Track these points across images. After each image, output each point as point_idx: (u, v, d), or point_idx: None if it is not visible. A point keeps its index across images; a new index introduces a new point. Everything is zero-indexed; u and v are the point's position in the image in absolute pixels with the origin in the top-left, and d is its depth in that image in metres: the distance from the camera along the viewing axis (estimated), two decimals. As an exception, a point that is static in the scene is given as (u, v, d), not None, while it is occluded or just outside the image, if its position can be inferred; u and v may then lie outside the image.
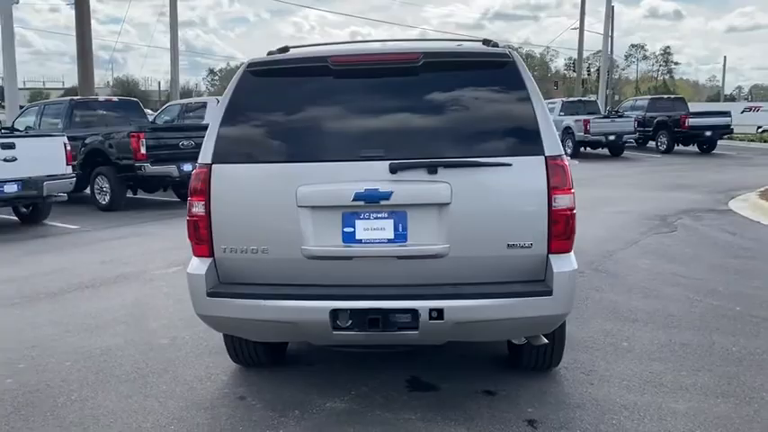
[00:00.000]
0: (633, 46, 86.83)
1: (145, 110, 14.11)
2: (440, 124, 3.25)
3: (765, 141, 28.22)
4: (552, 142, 3.17)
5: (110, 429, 3.39)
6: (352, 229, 3.16)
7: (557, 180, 3.14)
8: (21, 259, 7.71)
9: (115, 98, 14.00)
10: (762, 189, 11.88)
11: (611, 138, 20.98)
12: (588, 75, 48.23)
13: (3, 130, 12.45)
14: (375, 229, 3.15)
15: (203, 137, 3.34)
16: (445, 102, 3.28)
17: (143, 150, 10.62)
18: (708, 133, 22.25)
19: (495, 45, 3.56)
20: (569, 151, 21.82)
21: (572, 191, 3.19)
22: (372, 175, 3.11)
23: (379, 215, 3.15)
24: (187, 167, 10.40)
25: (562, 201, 3.14)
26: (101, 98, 13.65)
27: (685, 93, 58.38)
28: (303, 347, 4.37)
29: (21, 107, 15.40)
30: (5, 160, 8.97)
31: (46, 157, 9.50)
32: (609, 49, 38.10)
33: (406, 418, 3.45)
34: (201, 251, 3.29)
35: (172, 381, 3.99)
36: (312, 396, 3.73)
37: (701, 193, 12.27)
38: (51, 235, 9.30)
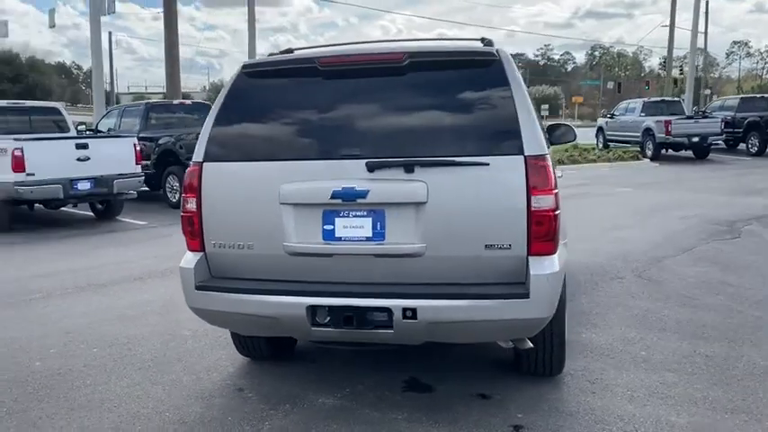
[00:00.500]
0: (735, 43, 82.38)
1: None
2: (419, 123, 3.24)
3: None
4: (533, 142, 3.10)
5: (111, 413, 3.58)
6: (332, 227, 3.21)
7: (536, 180, 3.07)
8: (86, 252, 8.21)
9: (189, 101, 14.63)
10: None
11: (695, 139, 19.95)
12: (681, 74, 46.09)
13: (87, 132, 13.30)
14: (354, 227, 3.18)
15: None
16: (427, 101, 3.27)
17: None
18: (805, 135, 20.81)
19: (490, 44, 3.52)
20: (649, 153, 20.98)
21: (554, 191, 3.10)
22: (351, 173, 3.14)
23: (358, 213, 3.18)
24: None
25: (542, 201, 3.07)
26: (175, 101, 14.31)
27: (791, 92, 54.71)
28: (311, 343, 4.44)
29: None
30: (79, 159, 9.56)
31: (117, 157, 10.06)
32: (703, 46, 36.22)
33: (393, 418, 3.46)
34: (194, 246, 3.43)
35: (182, 370, 4.16)
36: (307, 391, 3.80)
37: (781, 199, 11.52)
38: (120, 230, 9.83)
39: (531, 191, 3.06)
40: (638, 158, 21.18)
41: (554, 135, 5.73)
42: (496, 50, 3.30)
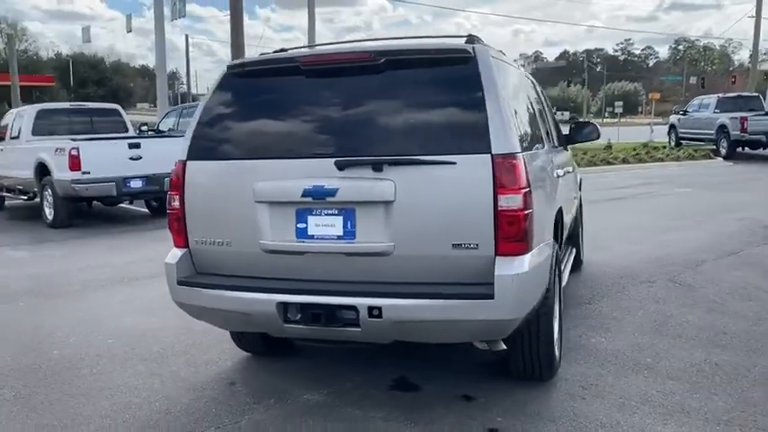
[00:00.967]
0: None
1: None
2: (391, 122, 3.23)
3: None
4: (503, 140, 3.04)
5: (106, 401, 3.73)
6: (305, 225, 3.24)
7: (504, 179, 3.00)
8: (132, 247, 8.57)
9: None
10: None
11: (774, 137, 18.87)
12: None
13: (148, 132, 13.87)
14: (326, 226, 3.21)
15: None
16: (399, 99, 3.26)
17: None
18: None
19: (471, 41, 3.46)
20: (723, 152, 20.02)
21: (523, 190, 3.02)
22: (322, 172, 3.17)
23: (330, 212, 3.20)
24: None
25: (509, 201, 3.00)
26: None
27: None
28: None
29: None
30: (132, 159, 9.98)
31: (168, 156, 10.37)
32: None
33: (371, 416, 3.47)
34: (178, 242, 3.54)
35: (184, 363, 4.29)
36: (295, 387, 3.85)
37: None
38: (170, 226, 10.20)
39: (498, 190, 3.00)
40: (709, 157, 20.28)
41: (579, 133, 5.63)
42: (473, 48, 3.24)
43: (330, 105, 3.34)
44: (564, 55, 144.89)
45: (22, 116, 11.68)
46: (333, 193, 3.14)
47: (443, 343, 3.62)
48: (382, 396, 3.72)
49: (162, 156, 10.35)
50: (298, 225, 3.25)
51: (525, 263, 3.06)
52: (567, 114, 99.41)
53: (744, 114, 19.64)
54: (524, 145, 3.30)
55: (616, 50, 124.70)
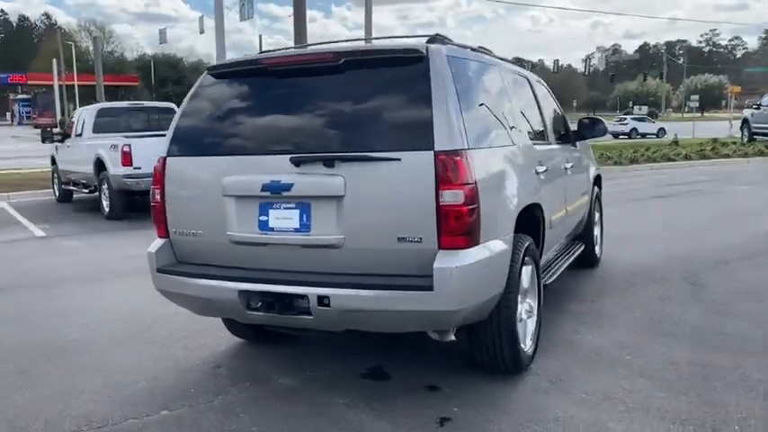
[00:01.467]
0: None
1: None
2: (345, 120, 3.37)
3: None
4: (446, 137, 3.12)
5: (98, 379, 4.03)
6: (266, 218, 3.43)
7: (445, 175, 3.08)
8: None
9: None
10: None
11: None
12: None
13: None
14: (284, 219, 3.38)
15: None
16: (355, 98, 3.39)
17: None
18: None
19: (434, 40, 3.55)
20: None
21: (466, 186, 3.10)
22: (280, 167, 3.34)
23: (287, 206, 3.37)
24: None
25: (451, 196, 3.08)
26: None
27: None
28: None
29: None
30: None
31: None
32: None
33: (335, 402, 3.62)
34: (160, 233, 3.79)
35: (181, 347, 4.56)
36: (274, 372, 4.05)
37: None
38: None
39: (440, 185, 3.08)
40: (782, 154, 19.30)
41: (587, 130, 5.63)
42: (426, 48, 3.33)
43: (291, 104, 3.51)
44: (644, 47, 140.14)
45: (84, 115, 12.42)
46: (288, 187, 3.31)
47: (397, 332, 3.72)
48: (352, 383, 3.86)
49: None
50: (260, 218, 3.44)
51: (468, 257, 3.14)
52: (644, 109, 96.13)
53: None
54: (478, 142, 3.37)
55: (700, 42, 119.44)
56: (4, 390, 3.89)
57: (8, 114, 66.80)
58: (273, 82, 3.59)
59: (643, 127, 43.21)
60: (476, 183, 3.17)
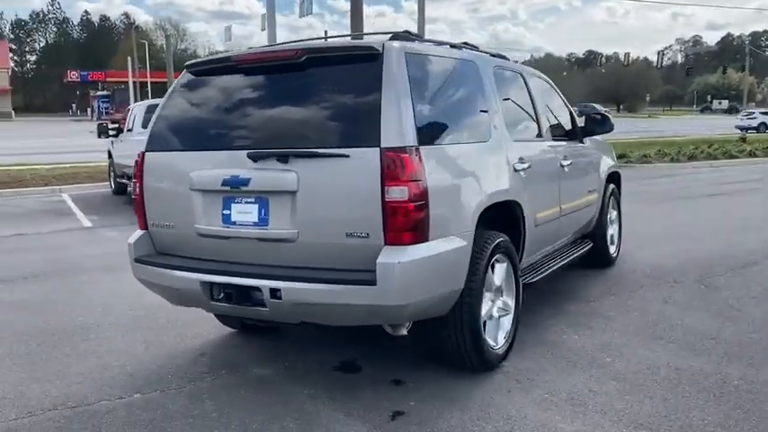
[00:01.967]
0: None
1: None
2: (300, 116, 3.45)
3: None
4: (394, 134, 3.15)
5: (91, 362, 4.26)
6: (229, 212, 3.55)
7: (391, 172, 3.12)
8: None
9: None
10: None
11: None
12: None
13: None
14: (245, 213, 3.49)
15: None
16: (313, 95, 3.47)
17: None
18: None
19: (396, 38, 3.57)
20: None
21: (413, 183, 3.12)
22: (240, 163, 3.45)
23: (248, 200, 3.48)
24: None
25: (396, 192, 3.11)
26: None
27: None
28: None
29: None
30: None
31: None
32: None
33: (299, 392, 3.71)
34: (140, 224, 3.98)
35: (176, 335, 4.76)
36: (251, 361, 4.18)
37: None
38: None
39: (385, 182, 3.12)
40: None
41: (592, 126, 5.55)
42: (382, 45, 3.37)
43: (256, 100, 3.62)
44: (727, 38, 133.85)
45: (135, 111, 12.95)
46: (246, 182, 3.41)
47: (350, 325, 3.78)
48: (322, 375, 3.95)
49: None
50: (224, 212, 3.56)
51: (415, 252, 3.16)
52: (724, 103, 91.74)
53: None
54: (434, 139, 3.38)
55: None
56: (4, 370, 4.16)
57: (88, 110, 70.07)
58: (242, 79, 3.71)
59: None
60: (425, 180, 3.19)
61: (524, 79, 4.88)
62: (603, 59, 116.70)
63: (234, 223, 3.54)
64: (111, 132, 13.97)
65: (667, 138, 27.99)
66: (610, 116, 5.68)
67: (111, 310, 5.40)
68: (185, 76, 3.96)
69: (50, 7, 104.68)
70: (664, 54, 55.01)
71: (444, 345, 3.73)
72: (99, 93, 68.44)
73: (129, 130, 12.78)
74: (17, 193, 13.85)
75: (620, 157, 17.71)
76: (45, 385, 3.89)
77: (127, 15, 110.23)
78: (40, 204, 12.49)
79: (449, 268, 3.41)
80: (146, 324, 5.02)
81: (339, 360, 4.15)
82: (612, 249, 6.46)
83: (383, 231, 3.16)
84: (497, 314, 3.99)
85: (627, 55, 59.08)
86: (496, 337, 3.97)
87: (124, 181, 13.73)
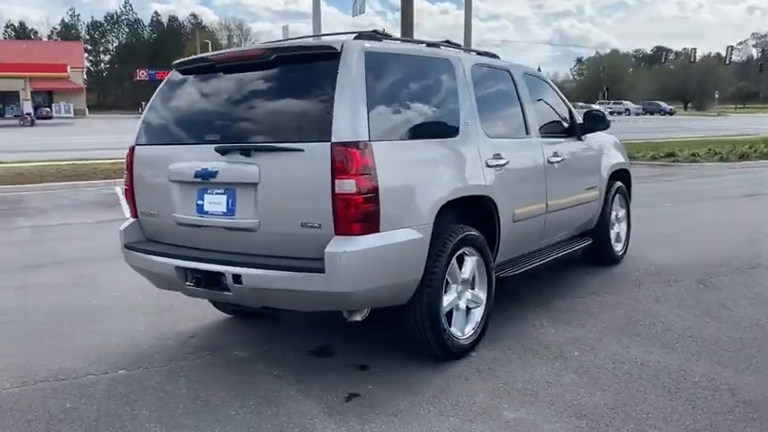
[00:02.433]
0: None
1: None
2: (265, 112, 3.67)
3: None
4: (344, 130, 3.31)
5: (89, 340, 4.59)
6: (202, 202, 3.79)
7: (340, 165, 3.28)
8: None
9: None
10: None
11: None
12: None
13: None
14: (216, 203, 3.73)
15: None
16: (277, 92, 3.70)
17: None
18: None
19: (363, 36, 3.74)
20: None
21: (361, 176, 3.28)
22: (210, 156, 3.68)
23: (218, 191, 3.71)
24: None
25: (345, 185, 3.28)
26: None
27: None
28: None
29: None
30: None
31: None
32: None
33: (269, 372, 3.94)
34: (131, 213, 4.27)
35: (175, 318, 5.05)
36: (234, 344, 4.42)
37: None
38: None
39: (335, 175, 3.29)
40: None
41: (591, 123, 5.59)
42: (342, 45, 3.53)
43: (227, 97, 3.85)
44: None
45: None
46: (214, 174, 3.65)
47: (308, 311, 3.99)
48: (296, 358, 4.16)
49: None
50: (197, 202, 3.81)
51: (363, 243, 3.32)
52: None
53: None
54: (389, 134, 3.53)
55: None
56: (13, 345, 4.53)
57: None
58: (217, 77, 3.96)
59: None
60: (375, 173, 3.34)
61: (512, 77, 4.95)
62: (672, 56, 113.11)
63: (206, 213, 3.78)
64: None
65: (730, 137, 26.99)
66: (606, 114, 5.69)
67: (125, 294, 5.74)
68: (173, 75, 4.23)
69: (123, 9, 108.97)
70: (733, 49, 52.90)
71: (407, 333, 3.88)
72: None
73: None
74: (75, 186, 14.60)
75: (668, 155, 17.33)
76: (44, 360, 4.23)
77: (194, 16, 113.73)
78: (93, 197, 13.15)
79: (402, 259, 3.55)
80: (151, 308, 5.33)
81: (316, 345, 4.35)
82: (619, 248, 6.43)
83: (333, 222, 3.33)
84: (465, 306, 4.10)
85: (693, 51, 57.13)
86: (463, 328, 4.08)
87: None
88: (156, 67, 77.40)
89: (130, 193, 4.23)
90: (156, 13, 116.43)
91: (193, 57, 4.24)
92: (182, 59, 4.26)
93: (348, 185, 3.29)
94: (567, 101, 5.78)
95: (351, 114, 3.36)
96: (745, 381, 3.65)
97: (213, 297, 3.81)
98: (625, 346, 4.21)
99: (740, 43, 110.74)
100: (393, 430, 3.22)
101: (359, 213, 3.31)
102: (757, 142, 20.46)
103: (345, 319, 3.80)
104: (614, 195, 6.22)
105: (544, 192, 4.93)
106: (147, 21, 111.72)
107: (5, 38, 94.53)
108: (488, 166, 4.22)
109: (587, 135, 5.77)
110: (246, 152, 3.55)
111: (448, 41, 4.70)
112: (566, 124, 5.61)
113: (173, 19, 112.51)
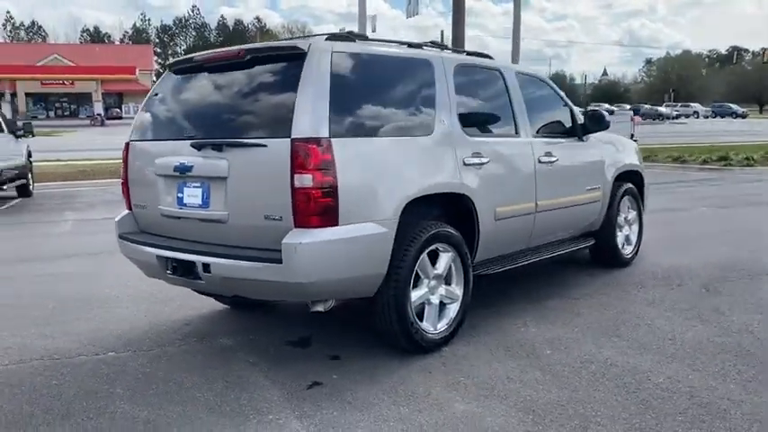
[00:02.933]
0: None
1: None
2: (237, 109, 3.86)
3: None
4: (303, 126, 3.45)
5: (92, 324, 4.88)
6: (182, 195, 4.00)
7: (299, 161, 3.42)
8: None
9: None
10: None
11: None
12: None
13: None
14: (193, 196, 3.93)
15: None
16: (248, 90, 3.88)
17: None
18: None
19: (335, 37, 3.87)
20: None
21: (319, 171, 3.41)
22: (188, 151, 3.89)
23: (195, 185, 3.92)
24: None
25: (303, 180, 3.41)
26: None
27: None
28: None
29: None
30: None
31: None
32: None
33: (245, 361, 4.11)
34: (126, 205, 4.52)
35: (177, 307, 5.29)
36: (223, 333, 4.63)
37: None
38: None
39: (294, 170, 3.43)
40: None
41: (591, 123, 5.60)
42: (309, 45, 3.67)
43: (207, 95, 4.07)
44: None
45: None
46: (190, 168, 3.85)
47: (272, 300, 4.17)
48: (274, 348, 4.32)
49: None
50: (178, 194, 4.02)
51: (320, 235, 3.45)
52: None
53: None
54: (352, 131, 3.65)
55: None
56: (20, 328, 4.86)
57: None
58: (201, 76, 4.19)
59: None
60: (334, 169, 3.47)
61: (503, 77, 4.97)
62: (750, 56, 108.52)
63: (185, 205, 3.99)
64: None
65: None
66: (606, 114, 5.64)
67: (137, 284, 6.00)
68: (168, 74, 4.47)
69: (191, 13, 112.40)
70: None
71: (376, 325, 3.99)
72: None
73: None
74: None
75: (720, 159, 16.78)
76: (45, 341, 4.53)
77: (258, 19, 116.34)
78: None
79: (363, 252, 3.65)
80: (156, 297, 5.59)
81: (298, 336, 4.50)
82: (628, 250, 6.34)
83: (293, 215, 3.48)
84: (438, 301, 4.17)
85: (764, 51, 54.59)
86: (436, 324, 4.16)
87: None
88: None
89: (125, 186, 4.48)
90: (222, 16, 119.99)
91: (183, 57, 4.46)
92: (175, 60, 4.50)
93: (306, 180, 3.42)
94: (569, 102, 5.75)
95: (312, 111, 3.50)
96: (708, 384, 3.60)
97: (188, 285, 4.01)
98: (600, 347, 4.19)
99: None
100: (344, 417, 3.33)
101: (317, 207, 3.44)
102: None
103: (330, 312, 3.94)
104: (622, 197, 6.14)
105: (533, 191, 4.94)
106: (213, 24, 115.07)
107: (81, 42, 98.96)
108: (466, 164, 4.28)
109: (592, 136, 5.74)
110: (218, 147, 3.74)
111: (433, 42, 4.79)
112: (566, 125, 5.59)
113: (238, 22, 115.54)
